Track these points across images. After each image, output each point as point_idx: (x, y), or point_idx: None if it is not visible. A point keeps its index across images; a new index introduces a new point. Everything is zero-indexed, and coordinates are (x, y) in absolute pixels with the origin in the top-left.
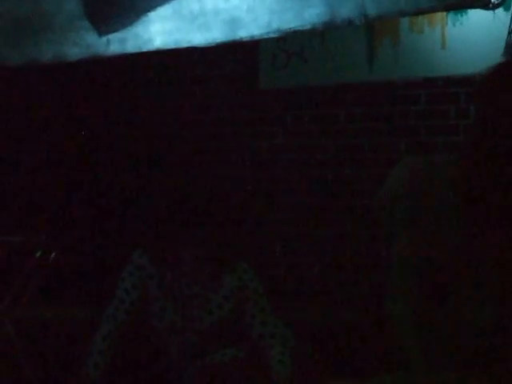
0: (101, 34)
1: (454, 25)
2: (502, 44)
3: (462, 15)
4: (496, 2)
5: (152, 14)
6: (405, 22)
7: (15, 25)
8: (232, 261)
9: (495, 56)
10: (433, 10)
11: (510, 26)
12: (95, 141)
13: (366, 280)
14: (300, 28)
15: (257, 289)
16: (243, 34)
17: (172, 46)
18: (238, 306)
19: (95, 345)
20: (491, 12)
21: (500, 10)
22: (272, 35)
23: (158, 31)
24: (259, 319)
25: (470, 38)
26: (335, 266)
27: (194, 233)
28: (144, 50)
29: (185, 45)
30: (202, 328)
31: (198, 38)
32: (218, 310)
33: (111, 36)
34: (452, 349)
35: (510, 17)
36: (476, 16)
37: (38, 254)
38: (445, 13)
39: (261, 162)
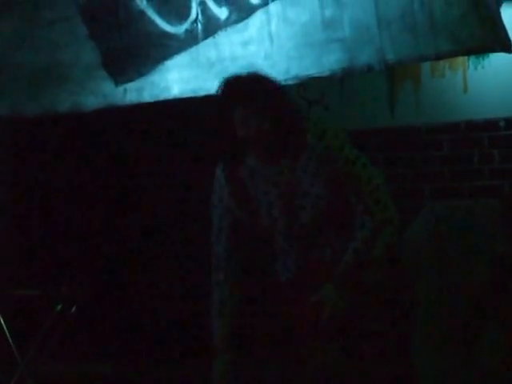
0: (117, 83)
1: (475, 68)
2: None
3: (483, 59)
4: None
5: (169, 63)
6: (426, 66)
7: (33, 75)
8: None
9: None
10: (453, 54)
11: None
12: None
13: (391, 330)
14: (319, 75)
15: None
16: None
17: (190, 94)
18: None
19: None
20: None
21: None
22: (290, 82)
23: (175, 79)
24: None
25: (492, 82)
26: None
27: None
28: (161, 98)
29: (202, 93)
30: (304, 221)
31: (216, 85)
32: (318, 200)
33: (128, 85)
34: None
35: None
36: (498, 59)
37: (59, 308)
38: (466, 56)
39: None
